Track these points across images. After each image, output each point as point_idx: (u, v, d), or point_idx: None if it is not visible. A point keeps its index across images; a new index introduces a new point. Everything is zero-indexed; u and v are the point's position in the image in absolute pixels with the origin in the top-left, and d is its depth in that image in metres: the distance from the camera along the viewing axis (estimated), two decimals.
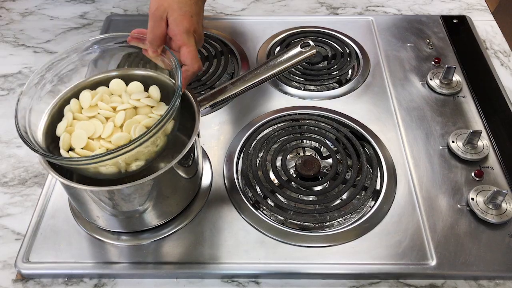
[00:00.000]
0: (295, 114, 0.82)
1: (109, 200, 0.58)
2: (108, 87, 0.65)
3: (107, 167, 0.56)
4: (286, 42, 0.95)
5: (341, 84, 0.89)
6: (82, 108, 0.63)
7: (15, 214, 0.70)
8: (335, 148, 0.76)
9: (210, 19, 1.02)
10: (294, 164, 0.75)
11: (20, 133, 0.55)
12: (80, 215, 0.68)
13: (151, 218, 0.64)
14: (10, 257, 0.65)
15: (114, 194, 0.57)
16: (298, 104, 0.85)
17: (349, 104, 0.85)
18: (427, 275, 0.63)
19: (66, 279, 0.64)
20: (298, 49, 0.64)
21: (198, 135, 0.62)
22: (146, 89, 0.65)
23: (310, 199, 0.72)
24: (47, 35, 1.01)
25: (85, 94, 0.63)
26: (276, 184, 0.72)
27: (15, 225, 0.69)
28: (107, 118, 0.61)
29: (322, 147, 0.78)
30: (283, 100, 0.85)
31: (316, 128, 0.80)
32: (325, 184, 0.73)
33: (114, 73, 0.66)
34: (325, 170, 0.75)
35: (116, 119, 0.60)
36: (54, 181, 0.73)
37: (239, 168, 0.75)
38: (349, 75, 0.92)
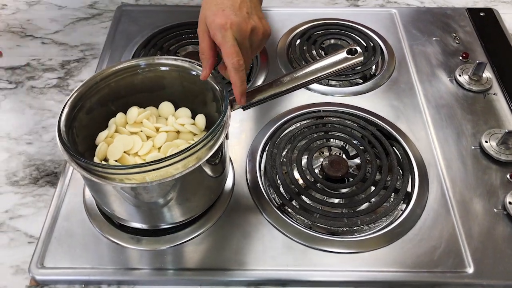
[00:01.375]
0: (319, 111, 0.78)
1: (133, 194, 0.55)
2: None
3: (132, 181, 0.53)
4: (307, 35, 0.91)
5: (365, 79, 0.85)
6: (127, 123, 0.64)
7: (27, 215, 0.66)
8: (362, 147, 0.73)
9: None
10: (319, 164, 0.72)
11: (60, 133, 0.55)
12: (96, 217, 0.65)
13: (175, 215, 0.61)
14: (23, 262, 0.62)
15: (138, 191, 0.54)
16: (320, 100, 0.81)
17: (375, 101, 0.81)
18: (465, 284, 0.60)
19: (83, 285, 0.60)
20: (343, 55, 0.59)
21: (227, 137, 0.58)
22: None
23: (336, 201, 0.69)
24: (56, 26, 0.96)
25: (133, 110, 0.64)
26: (302, 186, 0.68)
27: (28, 227, 0.65)
28: (148, 137, 0.62)
29: (349, 146, 0.74)
30: (305, 95, 0.82)
31: (342, 126, 0.76)
32: (353, 186, 0.69)
33: (143, 62, 0.63)
34: (352, 171, 0.71)
35: (156, 139, 0.61)
36: (68, 181, 0.69)
37: (262, 167, 0.71)
38: (373, 70, 0.88)
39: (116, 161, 0.59)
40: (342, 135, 0.75)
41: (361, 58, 0.60)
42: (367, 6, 1.02)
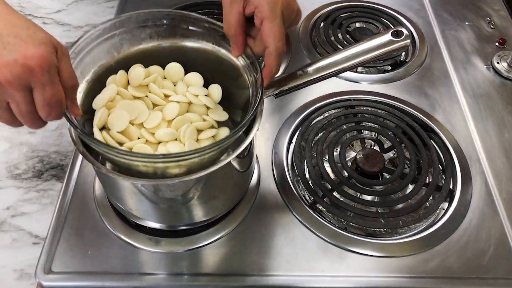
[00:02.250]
0: (350, 100, 0.72)
1: (153, 190, 0.48)
2: (162, 68, 0.56)
3: (145, 167, 0.46)
4: (331, 18, 0.84)
5: (395, 66, 0.79)
6: (129, 84, 0.54)
7: (31, 213, 0.60)
8: (398, 140, 0.66)
9: None
10: (351, 158, 0.66)
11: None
12: (109, 214, 0.58)
13: (198, 214, 0.55)
14: (28, 265, 0.55)
15: (160, 188, 0.48)
16: (347, 87, 0.75)
17: (407, 89, 0.75)
18: None
19: None
20: (388, 37, 0.53)
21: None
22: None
23: (369, 199, 0.63)
24: (57, 4, 0.89)
25: (137, 70, 0.54)
26: (335, 182, 0.62)
27: (32, 227, 0.59)
28: (154, 105, 0.53)
29: (383, 137, 0.68)
30: (330, 82, 0.75)
31: (374, 116, 0.70)
32: (390, 183, 0.63)
33: (167, 43, 0.56)
34: (387, 165, 0.65)
35: (166, 110, 0.52)
36: (76, 174, 0.62)
37: (289, 161, 0.65)
38: (402, 57, 0.81)
39: (119, 132, 0.50)
40: (375, 126, 0.69)
41: (408, 41, 0.54)
42: None
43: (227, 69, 0.55)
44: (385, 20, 0.84)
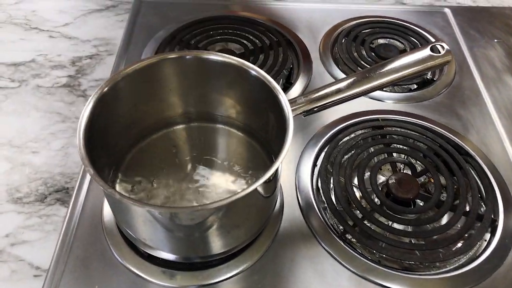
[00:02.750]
0: (377, 119, 0.67)
1: (169, 220, 0.43)
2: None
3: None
4: (354, 34, 0.80)
5: (422, 85, 0.74)
6: None
7: (32, 241, 0.54)
8: (431, 162, 0.61)
9: (259, 4, 0.87)
10: (382, 183, 0.60)
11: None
12: (119, 244, 0.53)
13: (218, 245, 0.49)
14: None
15: (178, 216, 0.43)
16: (372, 106, 0.70)
17: (436, 109, 0.70)
18: None
19: None
20: (427, 52, 0.49)
21: None
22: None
23: (401, 228, 0.57)
24: (65, 18, 0.85)
25: None
26: (368, 209, 0.57)
27: (34, 257, 0.53)
28: None
29: (415, 160, 0.63)
30: (354, 101, 0.70)
31: (404, 138, 0.65)
32: (427, 211, 0.58)
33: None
34: (422, 191, 0.60)
35: None
36: (83, 199, 0.57)
37: (315, 185, 0.60)
38: (429, 75, 0.77)
39: None
40: (406, 148, 0.64)
41: (449, 58, 0.50)
42: (413, 5, 0.91)
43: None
44: (410, 37, 0.80)
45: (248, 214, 0.49)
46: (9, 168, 0.61)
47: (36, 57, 0.77)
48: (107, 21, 0.85)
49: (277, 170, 0.44)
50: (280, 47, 0.77)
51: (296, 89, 0.71)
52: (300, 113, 0.49)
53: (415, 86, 0.75)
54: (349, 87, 0.50)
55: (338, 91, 0.51)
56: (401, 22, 0.83)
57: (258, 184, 0.41)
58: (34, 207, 0.57)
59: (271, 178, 0.44)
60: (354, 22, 0.83)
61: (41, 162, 0.62)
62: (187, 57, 0.51)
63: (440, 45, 0.50)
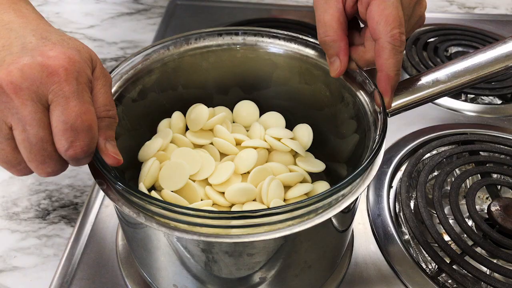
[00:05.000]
0: (466, 133, 0.53)
1: (222, 259, 0.30)
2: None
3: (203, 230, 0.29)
4: (421, 42, 0.68)
5: (505, 99, 0.61)
6: (187, 130, 0.41)
7: (25, 268, 0.42)
8: None
9: (299, 8, 0.77)
10: (482, 210, 0.47)
11: None
12: (135, 277, 0.40)
13: None
14: None
15: (239, 252, 0.29)
16: (451, 119, 0.57)
17: None
18: None
19: None
20: None
21: None
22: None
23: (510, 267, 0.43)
24: (90, 20, 0.76)
25: (199, 109, 0.41)
26: (469, 243, 0.42)
27: None
28: (222, 154, 0.40)
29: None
30: (426, 111, 0.58)
31: (498, 154, 0.51)
32: None
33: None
34: None
35: (239, 160, 0.38)
36: (94, 218, 0.44)
37: (392, 212, 0.46)
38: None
39: (175, 192, 0.36)
40: (506, 167, 0.50)
41: None
42: (485, 13, 0.80)
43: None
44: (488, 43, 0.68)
45: (318, 252, 0.35)
46: (8, 177, 0.50)
47: None
48: (137, 24, 0.75)
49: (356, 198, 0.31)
50: None
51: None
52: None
53: (499, 102, 0.62)
54: (451, 77, 0.37)
55: (436, 82, 0.38)
56: (478, 29, 0.72)
57: (329, 216, 0.29)
58: (33, 225, 0.45)
59: (347, 208, 0.31)
60: (421, 29, 0.72)
61: None
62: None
63: None
